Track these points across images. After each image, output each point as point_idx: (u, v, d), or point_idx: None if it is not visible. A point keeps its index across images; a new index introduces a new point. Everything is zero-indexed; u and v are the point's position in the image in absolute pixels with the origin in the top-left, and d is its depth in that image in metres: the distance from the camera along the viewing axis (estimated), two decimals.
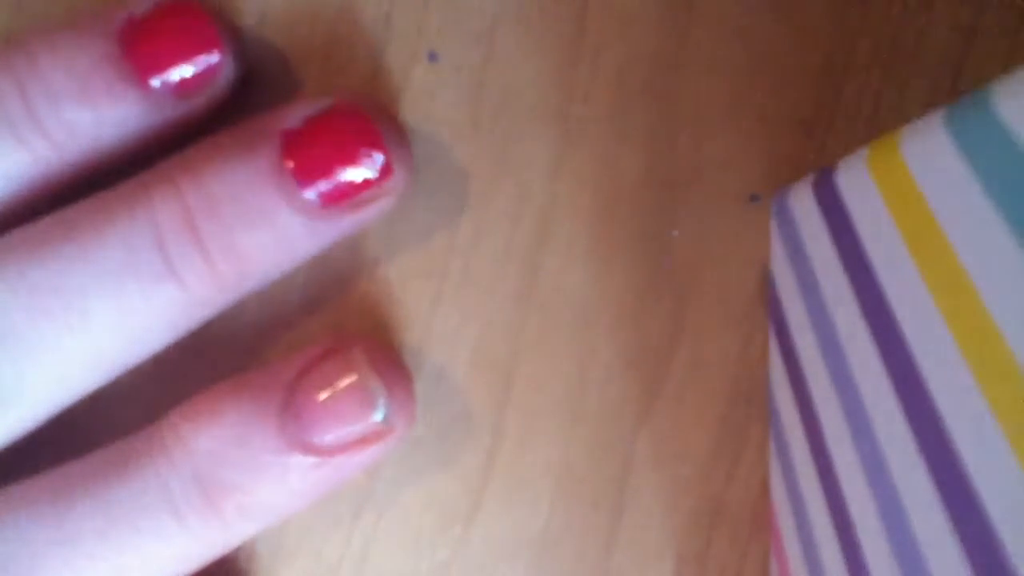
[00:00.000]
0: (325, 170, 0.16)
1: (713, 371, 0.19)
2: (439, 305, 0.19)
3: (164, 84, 0.16)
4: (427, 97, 0.19)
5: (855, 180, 0.14)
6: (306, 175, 0.16)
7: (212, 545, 0.16)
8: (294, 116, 0.16)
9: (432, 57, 0.19)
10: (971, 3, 0.18)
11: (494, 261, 0.19)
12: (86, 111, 0.16)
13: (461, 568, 0.19)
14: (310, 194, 0.16)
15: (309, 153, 0.16)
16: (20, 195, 0.16)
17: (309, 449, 0.16)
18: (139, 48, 0.16)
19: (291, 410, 0.16)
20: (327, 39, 0.19)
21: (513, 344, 0.19)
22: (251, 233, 0.16)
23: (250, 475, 0.16)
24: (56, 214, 0.16)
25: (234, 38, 0.17)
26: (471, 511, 0.19)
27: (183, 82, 0.16)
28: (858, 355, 0.13)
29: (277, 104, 0.19)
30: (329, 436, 0.16)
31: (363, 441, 0.16)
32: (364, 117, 0.16)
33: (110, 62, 0.16)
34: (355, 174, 0.16)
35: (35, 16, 0.19)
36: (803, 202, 0.17)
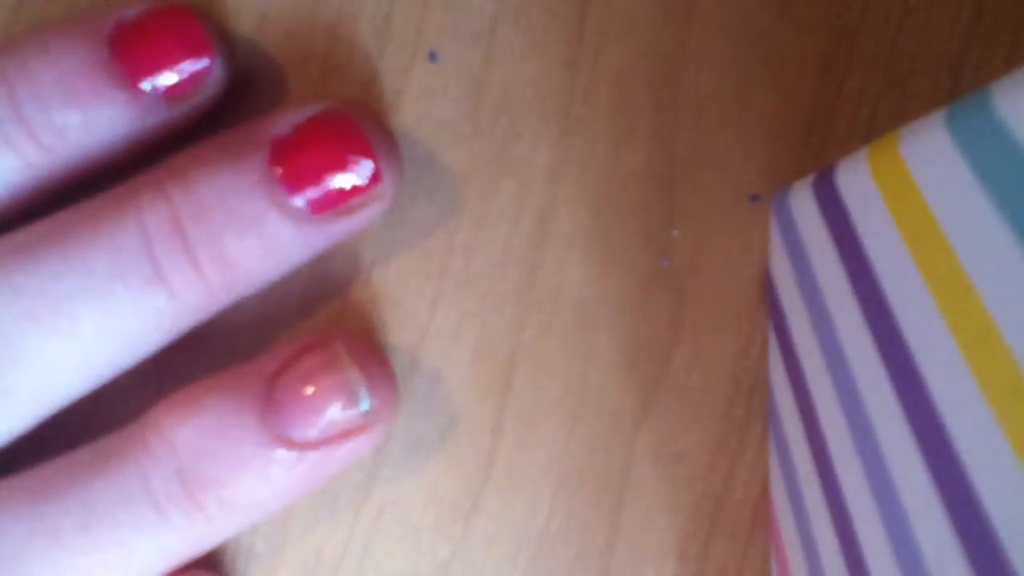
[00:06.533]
0: (314, 177, 0.16)
1: (713, 371, 0.19)
2: (439, 305, 0.19)
3: (154, 88, 0.16)
4: (427, 97, 0.19)
5: (855, 180, 0.14)
6: (295, 182, 0.16)
7: (195, 540, 0.16)
8: (283, 123, 0.16)
9: (432, 57, 0.19)
10: (971, 3, 0.18)
11: (494, 261, 0.19)
12: (75, 114, 0.16)
13: (461, 567, 0.19)
14: (299, 201, 0.16)
15: (298, 160, 0.16)
16: (9, 200, 0.16)
17: (289, 442, 0.16)
18: (129, 51, 0.16)
19: (271, 403, 0.16)
20: (327, 39, 0.19)
21: (513, 344, 0.19)
22: (240, 239, 0.16)
23: (230, 468, 0.16)
24: (44, 219, 0.16)
25: (225, 42, 0.17)
26: (471, 510, 0.19)
27: (173, 86, 0.16)
28: (858, 355, 0.13)
29: (276, 105, 0.19)
30: (310, 429, 0.16)
31: (344, 434, 0.16)
32: (352, 123, 0.16)
33: (100, 65, 0.16)
34: (344, 180, 0.16)
35: (34, 17, 0.19)
36: (803, 202, 0.17)
